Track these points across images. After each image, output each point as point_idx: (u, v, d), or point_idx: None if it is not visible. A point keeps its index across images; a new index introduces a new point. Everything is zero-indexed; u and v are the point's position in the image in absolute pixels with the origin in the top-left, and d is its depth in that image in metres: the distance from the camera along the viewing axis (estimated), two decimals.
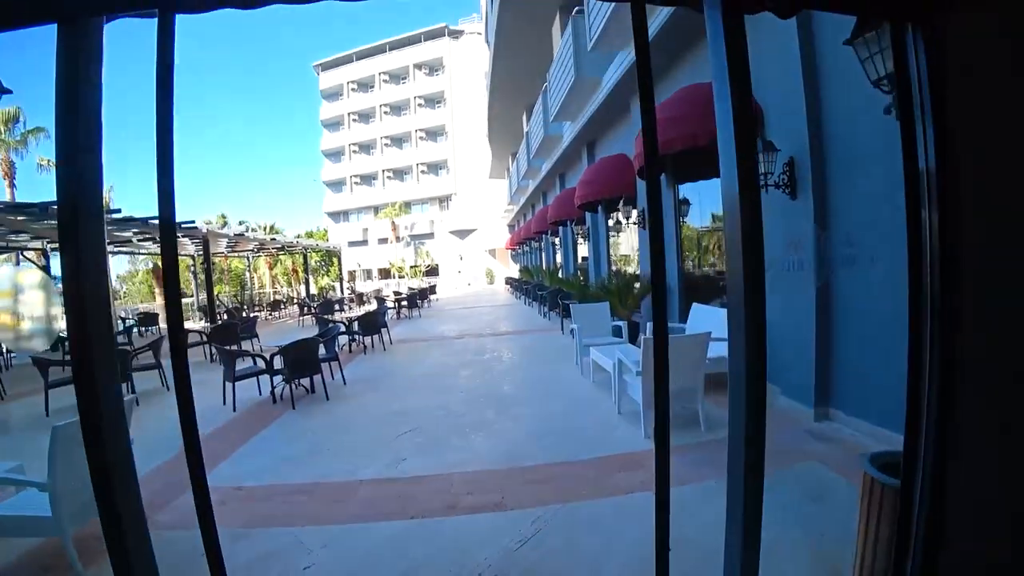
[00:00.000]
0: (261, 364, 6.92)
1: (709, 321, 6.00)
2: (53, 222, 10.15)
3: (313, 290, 32.24)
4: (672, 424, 1.80)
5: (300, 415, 6.12)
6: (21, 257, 16.29)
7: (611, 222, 11.65)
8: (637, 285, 8.70)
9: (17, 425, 6.86)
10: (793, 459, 3.81)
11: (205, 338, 10.67)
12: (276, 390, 6.84)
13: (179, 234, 13.87)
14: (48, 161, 23.18)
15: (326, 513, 3.58)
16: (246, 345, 11.48)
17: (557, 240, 19.39)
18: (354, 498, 3.79)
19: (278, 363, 6.76)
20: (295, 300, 25.09)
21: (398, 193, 47.86)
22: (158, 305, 28.94)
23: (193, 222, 13.27)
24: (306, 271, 25.27)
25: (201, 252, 16.47)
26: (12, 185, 21.25)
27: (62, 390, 6.82)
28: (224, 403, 6.68)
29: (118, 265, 43.94)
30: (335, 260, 45.06)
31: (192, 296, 22.43)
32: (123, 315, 20.96)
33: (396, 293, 20.62)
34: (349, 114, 50.80)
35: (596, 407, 5.54)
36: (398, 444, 4.82)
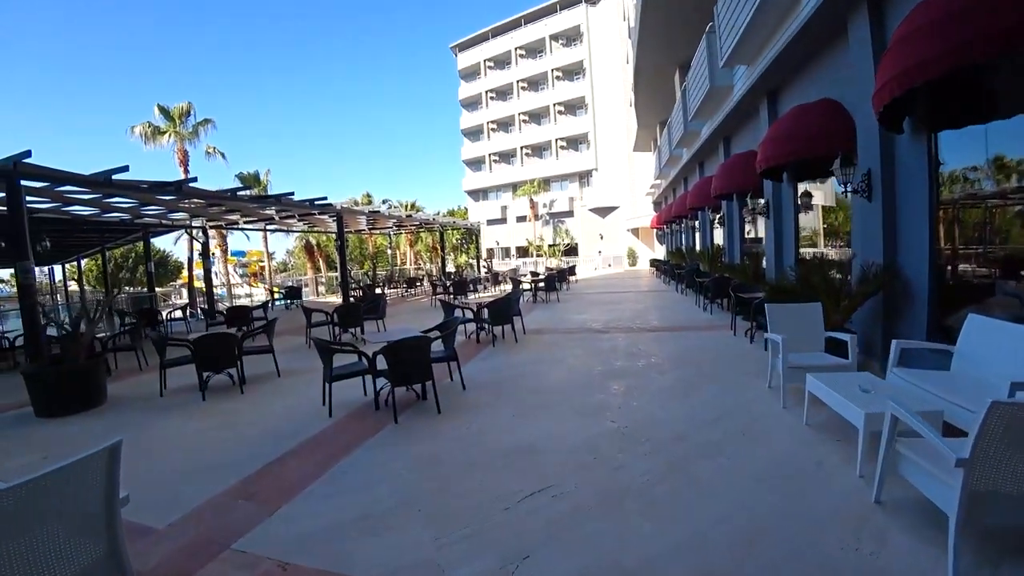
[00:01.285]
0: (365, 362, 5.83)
1: (1001, 345, 3.71)
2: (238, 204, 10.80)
3: (451, 268, 32.35)
4: None
5: (401, 433, 4.85)
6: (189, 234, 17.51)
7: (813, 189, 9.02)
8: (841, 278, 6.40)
9: None
10: None
11: (332, 318, 10.13)
12: (381, 393, 5.71)
13: (314, 211, 13.76)
14: (214, 148, 25.38)
15: None
16: (371, 328, 10.81)
17: (717, 217, 16.66)
18: None
19: (383, 361, 5.61)
20: (431, 277, 25.02)
21: (537, 170, 46.76)
22: (308, 278, 31.06)
23: (326, 198, 12.96)
24: (442, 249, 25.02)
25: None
26: (186, 171, 23.33)
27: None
28: (324, 402, 5.71)
29: (286, 242, 48.20)
30: (474, 238, 45.45)
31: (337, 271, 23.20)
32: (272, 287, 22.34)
33: (533, 274, 19.34)
34: (487, 92, 50.53)
35: (830, 480, 3.46)
36: (521, 515, 3.25)
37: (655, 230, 33.55)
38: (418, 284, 22.01)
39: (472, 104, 52.49)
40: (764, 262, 10.72)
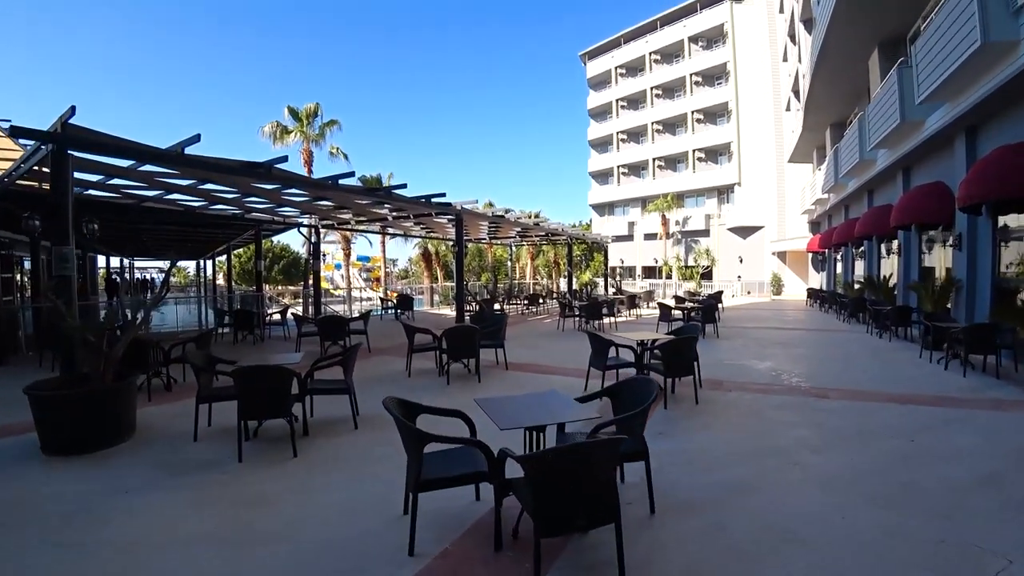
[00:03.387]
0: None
1: None
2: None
3: (573, 285, 29.68)
4: None
5: None
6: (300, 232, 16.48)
7: None
8: None
9: None
10: None
11: (439, 342, 7.74)
12: (504, 507, 3.06)
13: (430, 211, 11.73)
14: (337, 149, 25.04)
15: None
16: (488, 358, 8.26)
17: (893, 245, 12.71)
18: None
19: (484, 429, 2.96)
20: (554, 294, 22.45)
21: (669, 184, 42.75)
22: (426, 287, 29.85)
23: (444, 194, 10.83)
24: (569, 263, 22.38)
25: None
26: (310, 171, 23.03)
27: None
28: (405, 510, 3.31)
29: (407, 249, 48.62)
30: (596, 255, 42.44)
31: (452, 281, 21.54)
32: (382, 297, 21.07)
33: (678, 299, 16.04)
34: (617, 101, 47.44)
35: None
36: None
37: (811, 254, 28.55)
38: (540, 302, 19.45)
39: (601, 114, 49.71)
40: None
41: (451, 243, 25.25)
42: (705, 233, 40.08)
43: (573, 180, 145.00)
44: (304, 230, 15.76)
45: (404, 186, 10.03)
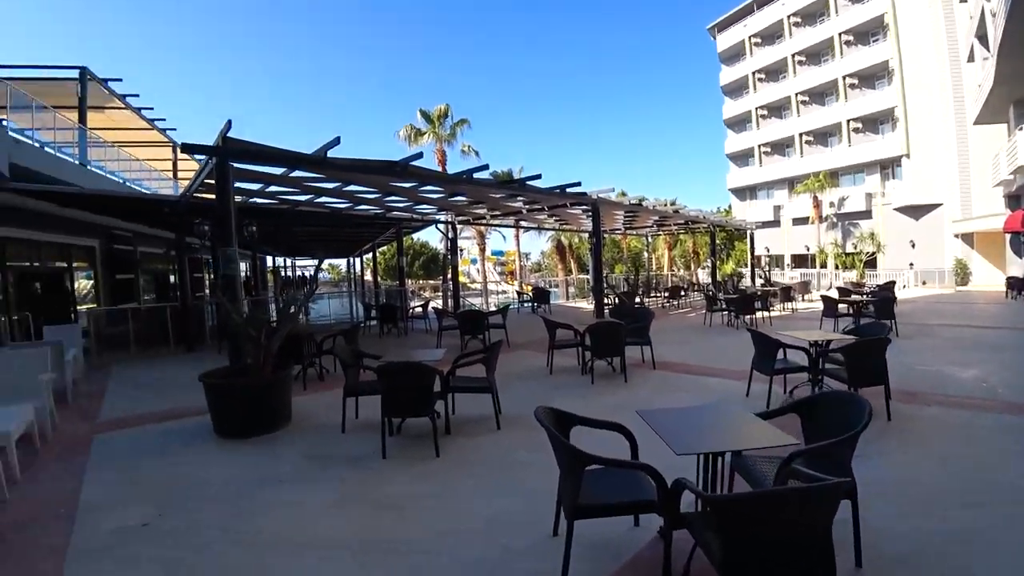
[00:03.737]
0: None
1: None
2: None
3: (704, 277, 27.79)
4: None
5: None
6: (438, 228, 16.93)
7: None
8: None
9: None
10: None
11: (581, 339, 7.27)
12: (674, 545, 2.49)
13: (564, 201, 11.28)
14: (468, 147, 25.62)
15: None
16: (633, 355, 7.57)
17: None
18: None
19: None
20: (696, 286, 21.00)
21: (820, 162, 38.30)
22: (560, 280, 29.59)
23: (579, 183, 10.31)
24: (712, 252, 20.79)
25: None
26: (444, 170, 23.74)
27: None
28: (555, 531, 2.95)
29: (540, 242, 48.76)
30: (738, 243, 39.49)
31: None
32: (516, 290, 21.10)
33: (842, 290, 14.07)
34: (754, 74, 43.38)
35: None
36: None
37: (1009, 235, 23.87)
38: (682, 294, 18.20)
39: (736, 90, 45.85)
40: None
41: (585, 235, 24.73)
42: (866, 215, 35.37)
43: (708, 165, 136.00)
44: (441, 226, 16.20)
45: (538, 176, 9.73)
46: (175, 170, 19.87)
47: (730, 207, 46.34)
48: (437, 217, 15.44)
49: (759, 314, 12.19)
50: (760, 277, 22.07)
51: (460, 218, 15.99)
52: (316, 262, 36.82)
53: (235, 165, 6.94)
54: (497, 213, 15.26)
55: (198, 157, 7.60)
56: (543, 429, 2.72)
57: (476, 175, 9.08)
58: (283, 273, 30.21)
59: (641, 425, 2.89)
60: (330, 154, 7.03)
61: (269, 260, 28.70)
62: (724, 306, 12.57)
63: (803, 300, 17.12)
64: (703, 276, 31.38)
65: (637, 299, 15.38)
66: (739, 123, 45.77)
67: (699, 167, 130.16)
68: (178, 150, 14.96)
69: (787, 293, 15.33)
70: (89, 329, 9.93)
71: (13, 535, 3.36)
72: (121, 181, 15.61)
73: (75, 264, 13.23)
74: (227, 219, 6.39)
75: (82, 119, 13.44)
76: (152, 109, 16.80)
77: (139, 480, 4.18)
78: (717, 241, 33.65)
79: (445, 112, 24.71)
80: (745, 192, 44.91)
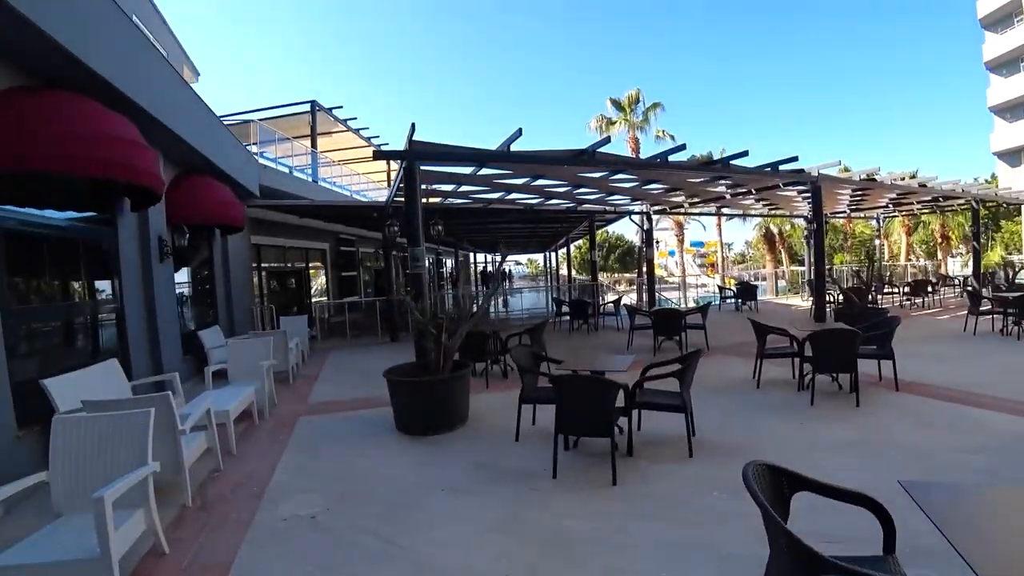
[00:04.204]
0: None
1: None
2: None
3: (957, 268, 22.46)
4: None
5: None
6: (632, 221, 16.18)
7: None
8: None
9: None
10: None
11: (799, 345, 5.98)
12: None
13: (776, 182, 9.66)
14: (663, 131, 24.03)
15: None
16: (867, 369, 5.98)
17: None
18: None
19: None
20: (946, 280, 16.90)
21: None
22: (768, 272, 26.40)
23: (796, 158, 8.68)
24: (976, 237, 16.45)
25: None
26: (637, 157, 22.66)
27: None
28: None
29: (744, 231, 44.86)
30: (1006, 224, 31.33)
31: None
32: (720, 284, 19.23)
33: None
34: None
35: None
36: None
37: None
38: (929, 291, 14.66)
39: (1001, 20, 34.90)
40: None
41: (798, 220, 21.71)
42: None
43: (956, 127, 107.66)
44: (636, 218, 15.40)
45: (744, 154, 8.45)
46: (389, 179, 22.22)
47: (994, 176, 36.30)
48: (631, 208, 14.69)
49: None
50: None
51: (656, 208, 14.95)
52: (518, 257, 38.66)
53: (424, 168, 7.17)
54: (696, 200, 13.90)
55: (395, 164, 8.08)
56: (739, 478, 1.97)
57: (671, 157, 8.19)
58: (486, 268, 32.31)
59: (899, 494, 1.95)
60: (513, 148, 6.88)
61: (471, 256, 30.71)
62: (999, 307, 9.64)
63: None
64: (954, 267, 25.31)
65: (872, 296, 12.72)
66: (1009, 63, 35.22)
67: (943, 130, 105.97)
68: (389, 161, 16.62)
69: None
70: (315, 319, 11.48)
71: (216, 505, 3.75)
72: (348, 194, 17.98)
73: (311, 264, 15.60)
74: (414, 219, 6.57)
75: (313, 143, 15.80)
76: (368, 128, 19.00)
77: (320, 469, 4.40)
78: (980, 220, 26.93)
79: (636, 97, 23.58)
80: (1020, 155, 34.80)
